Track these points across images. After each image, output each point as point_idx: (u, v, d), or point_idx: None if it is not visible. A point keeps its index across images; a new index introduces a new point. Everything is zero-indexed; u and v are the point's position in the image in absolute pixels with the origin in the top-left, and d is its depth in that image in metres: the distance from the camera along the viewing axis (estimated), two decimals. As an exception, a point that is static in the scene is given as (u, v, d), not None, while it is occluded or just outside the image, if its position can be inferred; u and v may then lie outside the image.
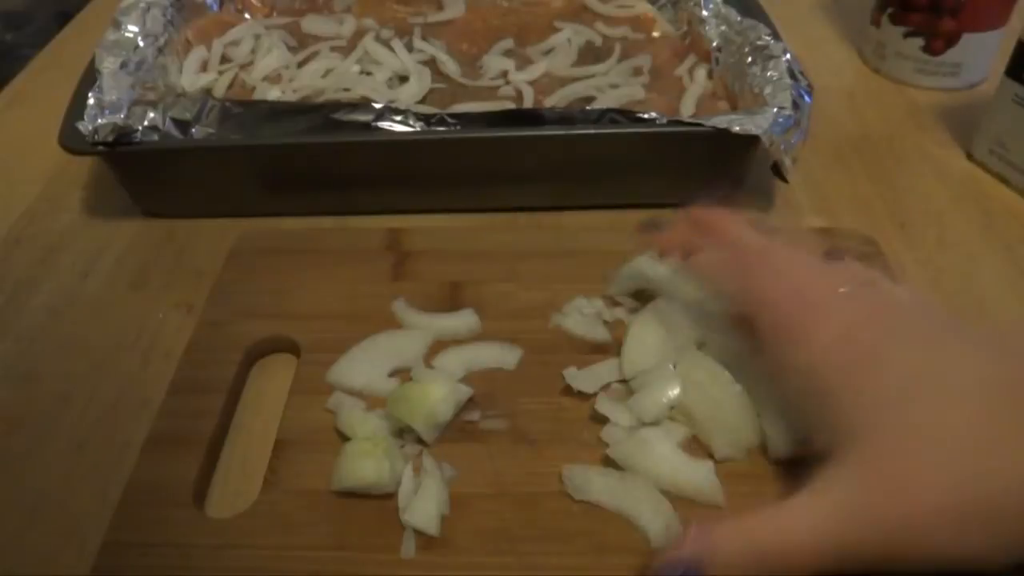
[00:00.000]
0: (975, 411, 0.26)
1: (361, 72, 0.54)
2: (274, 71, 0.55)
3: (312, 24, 0.59)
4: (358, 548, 0.31)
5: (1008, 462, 0.25)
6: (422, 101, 0.52)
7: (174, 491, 0.33)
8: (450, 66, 0.54)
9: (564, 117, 0.46)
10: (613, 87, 0.53)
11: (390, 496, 0.32)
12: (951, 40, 0.58)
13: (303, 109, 0.47)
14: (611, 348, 0.38)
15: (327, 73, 0.55)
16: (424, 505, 0.31)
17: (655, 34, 0.60)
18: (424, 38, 0.57)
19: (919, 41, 0.59)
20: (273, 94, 0.52)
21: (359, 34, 0.58)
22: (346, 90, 0.52)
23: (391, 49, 0.56)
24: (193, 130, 0.45)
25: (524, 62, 0.56)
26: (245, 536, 0.31)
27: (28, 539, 0.33)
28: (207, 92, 0.53)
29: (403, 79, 0.54)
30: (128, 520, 0.32)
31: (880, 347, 0.29)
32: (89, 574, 0.30)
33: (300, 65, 0.56)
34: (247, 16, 0.62)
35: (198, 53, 0.55)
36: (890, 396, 0.27)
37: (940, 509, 0.25)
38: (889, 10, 0.59)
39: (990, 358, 0.28)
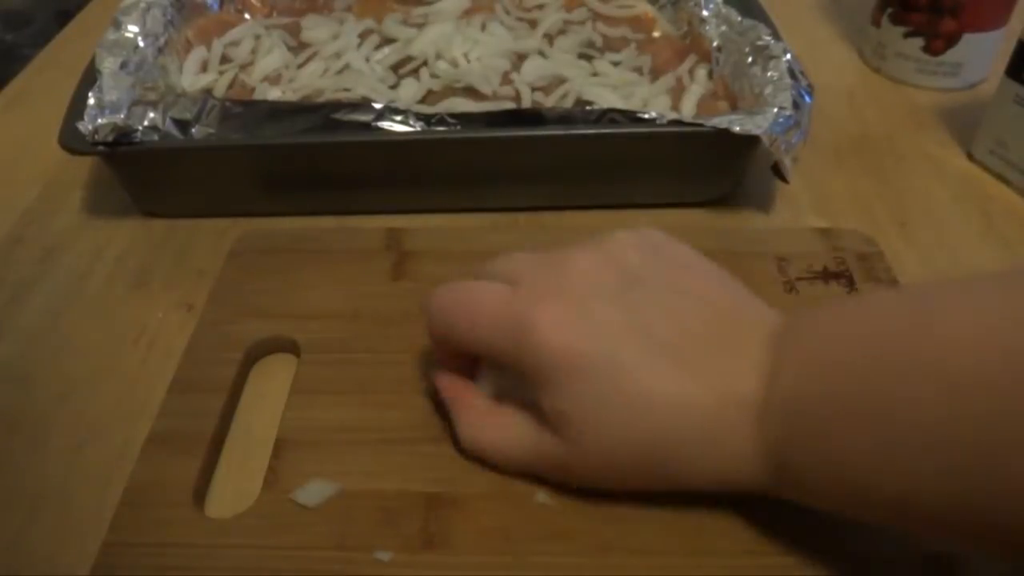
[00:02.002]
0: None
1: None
2: (274, 71, 0.55)
3: (312, 24, 0.59)
4: (358, 548, 0.31)
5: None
6: (422, 101, 0.52)
7: (174, 491, 0.33)
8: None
9: (564, 117, 0.46)
10: (613, 87, 0.53)
11: (390, 495, 0.32)
12: (951, 40, 0.58)
13: (303, 109, 0.46)
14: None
15: (326, 72, 0.55)
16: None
17: (655, 34, 0.60)
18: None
19: (919, 41, 0.59)
20: (273, 94, 0.52)
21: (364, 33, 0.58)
22: (346, 90, 0.52)
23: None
24: (193, 130, 0.45)
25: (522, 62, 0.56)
26: (245, 536, 0.31)
27: (28, 539, 0.33)
28: (207, 92, 0.53)
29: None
30: (128, 520, 0.32)
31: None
32: (89, 574, 0.30)
33: (300, 66, 0.56)
34: (247, 16, 0.61)
35: (198, 53, 0.55)
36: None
37: (604, 467, 0.30)
38: (889, 10, 0.59)
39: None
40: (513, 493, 0.33)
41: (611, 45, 0.58)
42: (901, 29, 0.59)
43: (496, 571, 0.30)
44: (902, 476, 0.25)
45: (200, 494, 0.33)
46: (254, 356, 0.39)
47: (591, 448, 0.30)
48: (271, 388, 0.38)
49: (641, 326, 0.30)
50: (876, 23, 0.61)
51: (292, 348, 0.39)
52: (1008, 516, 0.23)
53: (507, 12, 0.61)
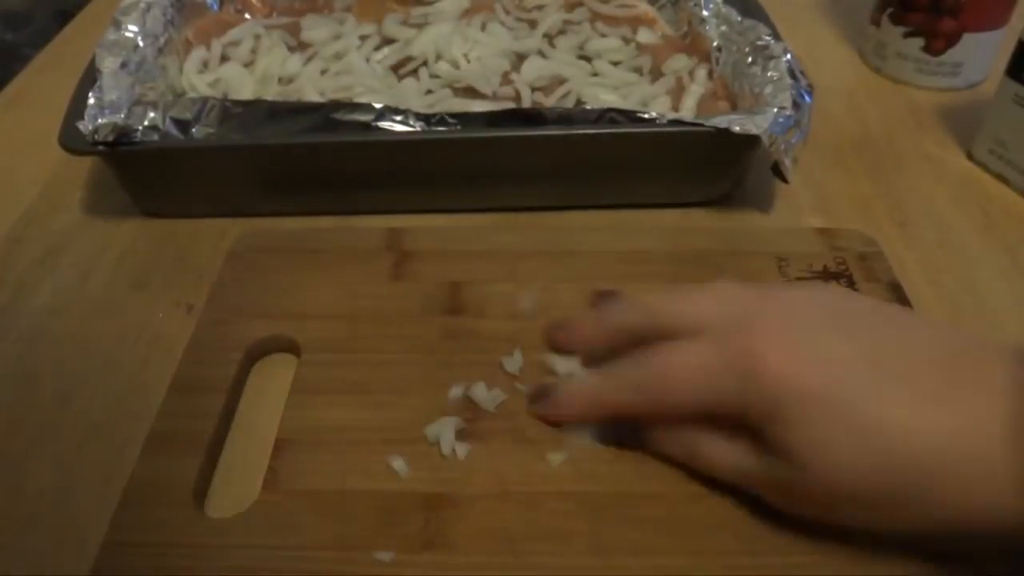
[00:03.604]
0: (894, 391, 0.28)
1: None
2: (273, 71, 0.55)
3: (312, 24, 0.59)
4: (358, 548, 0.31)
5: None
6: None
7: (174, 491, 0.33)
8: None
9: (564, 117, 0.46)
10: (613, 87, 0.53)
11: (390, 495, 0.32)
12: (951, 40, 0.58)
13: (303, 109, 0.46)
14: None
15: (326, 71, 0.55)
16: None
17: (655, 34, 0.60)
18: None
19: (919, 41, 0.59)
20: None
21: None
22: (346, 90, 0.52)
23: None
24: (193, 130, 0.45)
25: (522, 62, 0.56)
26: (245, 536, 0.31)
27: (28, 539, 0.33)
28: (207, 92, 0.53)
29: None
30: (128, 520, 0.32)
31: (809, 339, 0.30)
32: (89, 574, 0.30)
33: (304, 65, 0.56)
34: (247, 16, 0.61)
35: (198, 53, 0.55)
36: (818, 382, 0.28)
37: (829, 497, 0.29)
38: (889, 10, 0.59)
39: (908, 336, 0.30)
40: (513, 493, 0.33)
41: (611, 45, 0.58)
42: (901, 29, 0.59)
43: (496, 571, 0.30)
44: None
45: (200, 494, 0.33)
46: (254, 356, 0.39)
47: (819, 477, 0.28)
48: (271, 388, 0.38)
49: (870, 355, 0.29)
50: (876, 23, 0.61)
51: (292, 348, 0.39)
52: None
53: (507, 12, 0.61)
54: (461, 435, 0.35)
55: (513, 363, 0.37)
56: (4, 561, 0.32)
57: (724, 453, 0.31)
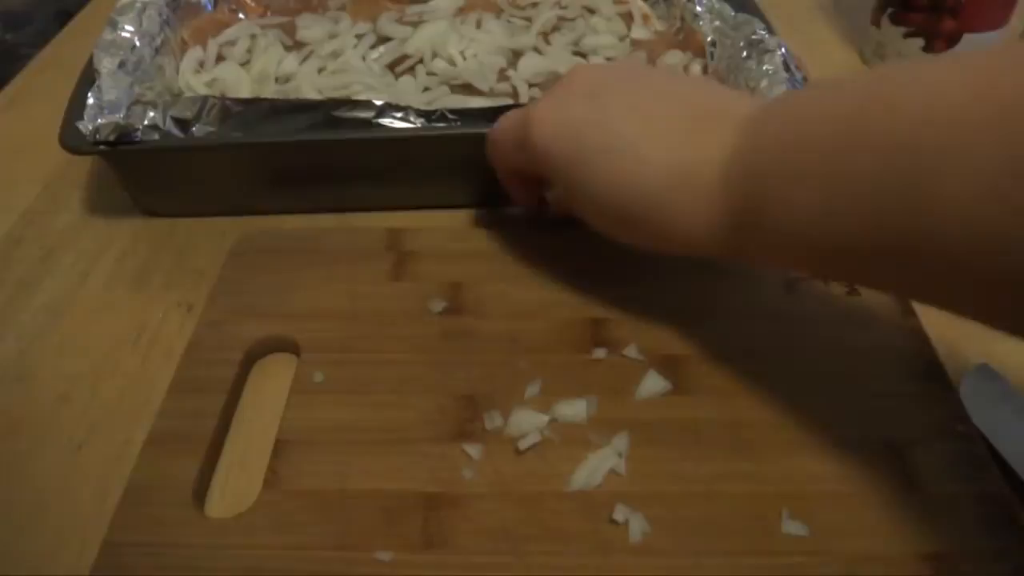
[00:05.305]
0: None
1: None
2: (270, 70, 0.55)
3: (307, 23, 0.59)
4: (358, 548, 0.31)
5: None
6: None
7: (174, 491, 0.33)
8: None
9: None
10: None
11: (390, 495, 0.32)
12: (952, 40, 0.58)
13: (303, 107, 0.46)
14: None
15: (323, 70, 0.54)
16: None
17: (649, 29, 0.60)
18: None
19: (919, 41, 0.59)
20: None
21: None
22: (344, 88, 0.52)
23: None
24: (193, 129, 0.45)
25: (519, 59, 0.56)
26: (245, 536, 0.31)
27: (28, 539, 0.33)
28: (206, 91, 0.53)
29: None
30: (128, 520, 0.32)
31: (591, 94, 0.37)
32: (89, 574, 0.30)
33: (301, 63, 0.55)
34: (241, 16, 0.61)
35: (195, 53, 0.55)
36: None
37: (595, 217, 0.37)
38: (889, 10, 0.59)
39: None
40: (513, 493, 0.33)
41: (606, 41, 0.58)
42: (901, 29, 0.59)
43: (496, 571, 0.30)
44: (840, 229, 0.28)
45: (200, 494, 0.33)
46: (254, 356, 0.39)
47: (582, 204, 0.37)
48: (271, 388, 0.38)
49: (625, 112, 0.35)
50: (876, 23, 0.61)
51: (292, 348, 0.39)
52: (925, 250, 0.26)
53: (502, 9, 0.61)
54: (463, 435, 0.35)
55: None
56: (4, 561, 0.32)
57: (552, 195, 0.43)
